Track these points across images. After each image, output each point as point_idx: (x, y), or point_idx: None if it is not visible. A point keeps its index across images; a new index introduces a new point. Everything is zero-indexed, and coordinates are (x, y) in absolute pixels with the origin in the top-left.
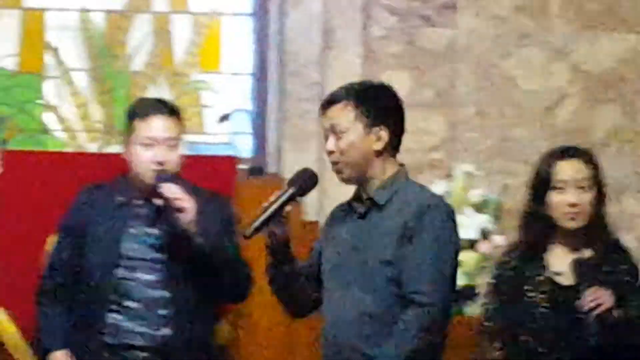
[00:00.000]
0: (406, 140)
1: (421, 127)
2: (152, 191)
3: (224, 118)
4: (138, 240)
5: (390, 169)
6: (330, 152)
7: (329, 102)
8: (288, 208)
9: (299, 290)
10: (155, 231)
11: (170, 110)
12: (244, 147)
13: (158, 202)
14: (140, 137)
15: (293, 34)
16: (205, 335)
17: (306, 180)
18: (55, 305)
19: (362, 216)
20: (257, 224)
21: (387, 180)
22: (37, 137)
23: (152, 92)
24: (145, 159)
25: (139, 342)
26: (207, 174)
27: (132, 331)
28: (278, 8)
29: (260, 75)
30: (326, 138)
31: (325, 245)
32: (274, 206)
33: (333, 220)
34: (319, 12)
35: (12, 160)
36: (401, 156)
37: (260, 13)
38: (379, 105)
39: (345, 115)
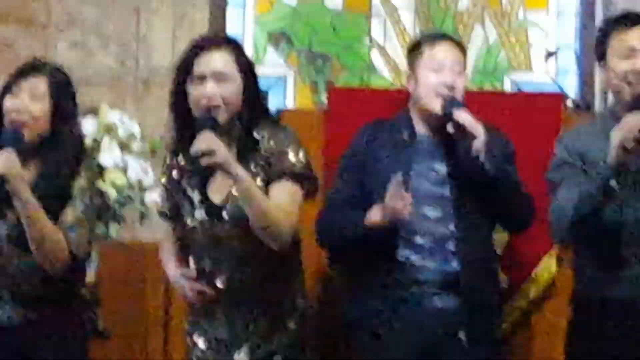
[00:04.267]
0: None
1: None
2: (442, 119)
3: (550, 55)
4: (423, 177)
5: None
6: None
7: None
8: None
9: None
10: (440, 166)
11: (457, 41)
12: (570, 86)
13: (449, 129)
14: (427, 62)
15: None
16: (493, 270)
17: None
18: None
19: None
20: None
21: None
22: (363, 76)
23: (478, 31)
24: (434, 83)
25: (429, 277)
26: (533, 111)
27: (421, 267)
28: None
29: (586, 14)
30: (626, 57)
31: None
32: None
33: None
34: None
35: (338, 97)
36: None
37: None
38: None
39: None
